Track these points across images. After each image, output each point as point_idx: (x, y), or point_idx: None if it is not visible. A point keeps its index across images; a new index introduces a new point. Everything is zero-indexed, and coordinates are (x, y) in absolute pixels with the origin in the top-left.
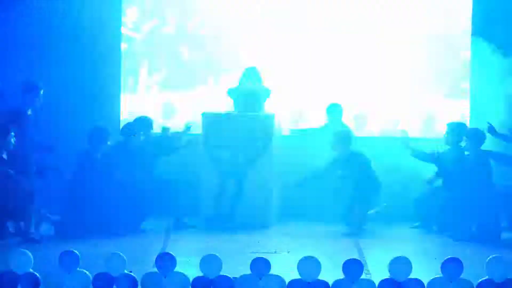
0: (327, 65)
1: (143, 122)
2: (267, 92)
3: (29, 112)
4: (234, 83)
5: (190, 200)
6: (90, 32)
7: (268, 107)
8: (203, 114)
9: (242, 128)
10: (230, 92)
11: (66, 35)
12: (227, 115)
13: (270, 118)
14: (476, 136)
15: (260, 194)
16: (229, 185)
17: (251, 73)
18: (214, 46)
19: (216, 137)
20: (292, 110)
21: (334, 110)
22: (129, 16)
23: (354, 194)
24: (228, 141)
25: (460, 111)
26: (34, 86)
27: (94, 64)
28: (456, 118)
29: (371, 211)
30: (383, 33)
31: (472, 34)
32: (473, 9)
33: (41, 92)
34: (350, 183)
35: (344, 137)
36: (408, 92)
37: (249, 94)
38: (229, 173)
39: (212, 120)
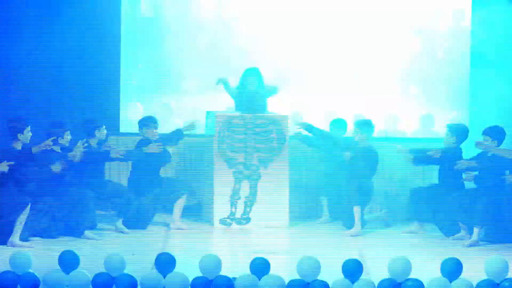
0: (327, 65)
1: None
2: (271, 91)
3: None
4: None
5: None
6: (90, 32)
7: (270, 107)
8: (214, 114)
9: (256, 129)
10: (232, 93)
11: (65, 36)
12: (242, 116)
13: (284, 119)
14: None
15: (275, 195)
16: (244, 187)
17: (252, 74)
18: (213, 47)
19: (230, 138)
20: (292, 111)
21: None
22: (129, 16)
23: (350, 190)
24: (243, 142)
25: (459, 112)
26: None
27: (93, 66)
28: (455, 119)
29: (371, 215)
30: (382, 32)
31: (472, 34)
32: (472, 9)
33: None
34: (351, 174)
35: (366, 125)
36: (406, 93)
37: (253, 94)
38: (243, 174)
39: (226, 121)
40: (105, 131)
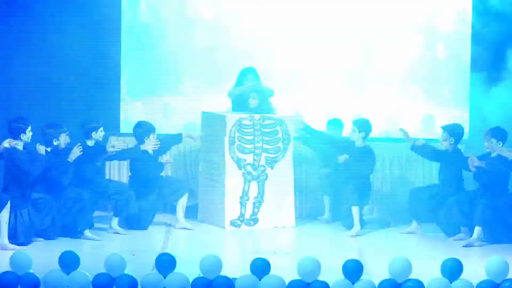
0: (327, 65)
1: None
2: (269, 92)
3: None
4: (232, 84)
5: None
6: (90, 32)
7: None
8: (209, 114)
9: (264, 129)
10: (230, 92)
11: (65, 36)
12: (251, 117)
13: (290, 119)
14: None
15: (281, 195)
16: (252, 187)
17: (249, 73)
18: (213, 47)
19: (240, 139)
20: (292, 111)
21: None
22: (129, 17)
23: (348, 191)
24: (252, 143)
25: (460, 113)
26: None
27: (94, 66)
28: (456, 120)
29: (371, 215)
30: (383, 33)
31: (472, 35)
32: (472, 10)
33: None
34: (349, 174)
35: (364, 126)
36: (407, 93)
37: (249, 94)
38: (252, 175)
39: (236, 122)
40: (102, 133)
